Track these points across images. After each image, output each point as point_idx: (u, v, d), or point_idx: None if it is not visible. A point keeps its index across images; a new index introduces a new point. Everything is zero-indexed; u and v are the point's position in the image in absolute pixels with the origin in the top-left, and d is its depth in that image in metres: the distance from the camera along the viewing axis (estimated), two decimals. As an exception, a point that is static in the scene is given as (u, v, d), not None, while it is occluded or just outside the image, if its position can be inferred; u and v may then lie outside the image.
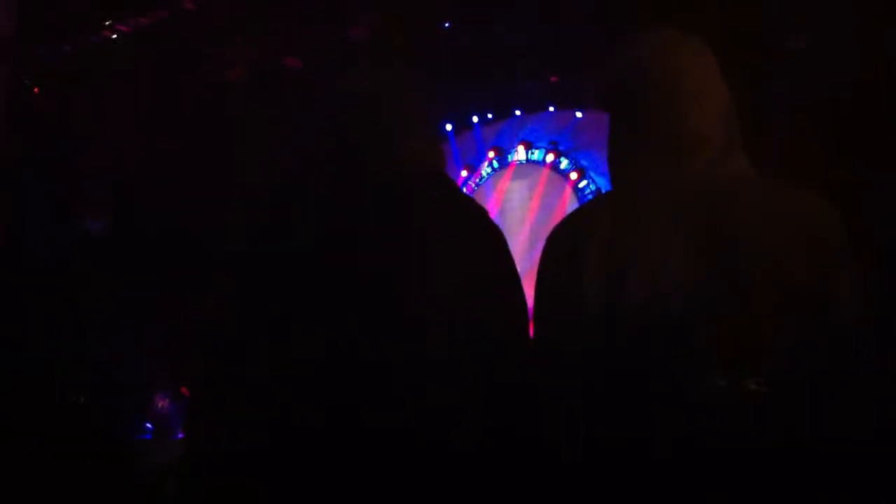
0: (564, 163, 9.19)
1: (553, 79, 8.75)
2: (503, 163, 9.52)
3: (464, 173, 9.54)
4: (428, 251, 2.66)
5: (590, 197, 8.81)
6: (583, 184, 9.03)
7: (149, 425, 4.72)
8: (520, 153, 9.40)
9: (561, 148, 9.21)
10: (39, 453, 2.42)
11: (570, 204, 8.96)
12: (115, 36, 2.78)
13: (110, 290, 2.52)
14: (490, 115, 9.45)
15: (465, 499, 2.42)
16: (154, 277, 2.46)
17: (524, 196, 9.31)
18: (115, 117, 2.47)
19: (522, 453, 2.34)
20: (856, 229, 2.27)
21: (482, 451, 2.39)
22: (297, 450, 2.55)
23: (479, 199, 9.47)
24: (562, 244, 2.47)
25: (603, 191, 8.60)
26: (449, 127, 9.32)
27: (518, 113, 9.35)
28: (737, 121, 2.38)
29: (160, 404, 3.88)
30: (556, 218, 8.94)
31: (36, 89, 2.49)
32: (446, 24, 7.50)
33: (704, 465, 2.17)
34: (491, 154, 9.50)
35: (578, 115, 8.94)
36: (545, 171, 9.29)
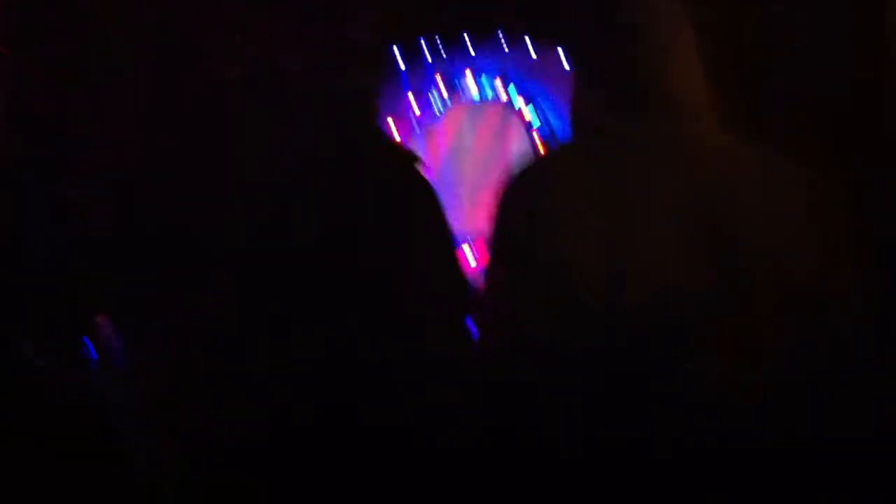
0: (515, 95, 9.15)
1: (506, 11, 8.68)
2: (452, 93, 9.47)
3: (413, 104, 9.49)
4: (428, 248, 2.68)
5: (541, 131, 8.81)
6: (533, 118, 9.01)
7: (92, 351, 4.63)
8: (469, 84, 9.36)
9: (512, 80, 9.17)
10: (38, 453, 2.43)
11: (520, 138, 8.95)
12: (114, 33, 2.75)
13: (110, 289, 2.51)
14: (440, 44, 9.39)
15: (463, 495, 2.46)
16: (154, 276, 2.45)
17: (473, 129, 9.28)
18: (115, 116, 2.44)
19: (520, 449, 2.38)
20: (856, 228, 2.30)
21: (480, 447, 2.43)
22: (295, 447, 2.57)
23: (427, 132, 9.45)
24: (520, 199, 2.49)
25: (554, 125, 8.60)
26: (398, 55, 9.26)
27: (469, 43, 9.29)
28: (707, 89, 2.42)
29: (103, 331, 3.82)
30: (506, 152, 8.97)
31: (36, 89, 2.45)
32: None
33: (702, 464, 2.20)
34: (439, 83, 9.44)
35: (531, 46, 8.90)
36: (495, 104, 9.25)
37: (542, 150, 8.45)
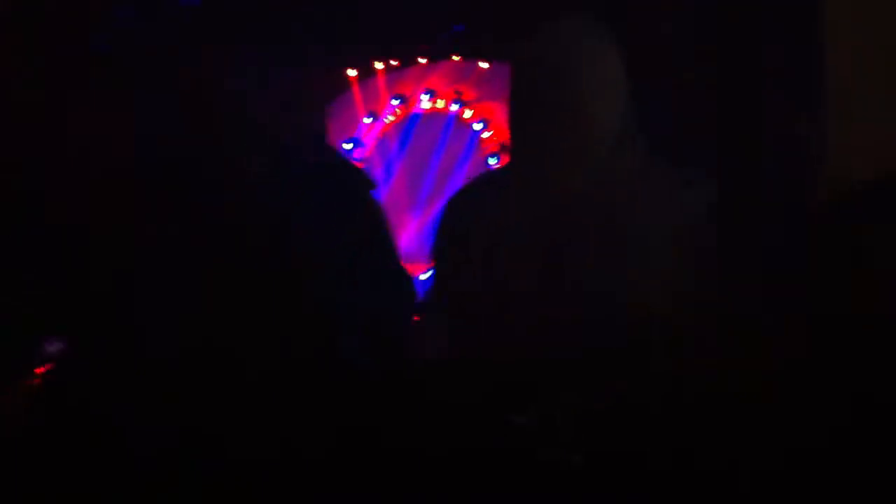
0: (468, 113, 9.29)
1: (458, 28, 8.79)
2: (406, 111, 9.58)
3: (367, 121, 9.58)
4: (374, 267, 2.89)
5: (493, 150, 8.99)
6: (486, 135, 9.16)
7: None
8: (423, 102, 9.47)
9: (465, 98, 9.30)
10: (41, 454, 2.53)
11: (473, 154, 9.08)
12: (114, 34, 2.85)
13: (111, 289, 2.60)
14: (394, 63, 9.50)
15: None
16: (156, 277, 2.55)
17: (427, 146, 9.39)
18: (115, 117, 2.54)
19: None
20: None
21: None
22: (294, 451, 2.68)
23: (381, 148, 9.58)
24: (454, 222, 2.64)
25: (506, 143, 8.71)
26: (353, 73, 9.36)
27: (422, 61, 9.40)
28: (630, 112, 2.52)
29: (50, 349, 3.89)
30: (459, 169, 9.14)
31: (36, 89, 2.55)
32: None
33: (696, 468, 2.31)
34: (394, 102, 9.55)
35: (483, 65, 9.04)
36: (449, 121, 9.37)
37: (490, 163, 8.65)
